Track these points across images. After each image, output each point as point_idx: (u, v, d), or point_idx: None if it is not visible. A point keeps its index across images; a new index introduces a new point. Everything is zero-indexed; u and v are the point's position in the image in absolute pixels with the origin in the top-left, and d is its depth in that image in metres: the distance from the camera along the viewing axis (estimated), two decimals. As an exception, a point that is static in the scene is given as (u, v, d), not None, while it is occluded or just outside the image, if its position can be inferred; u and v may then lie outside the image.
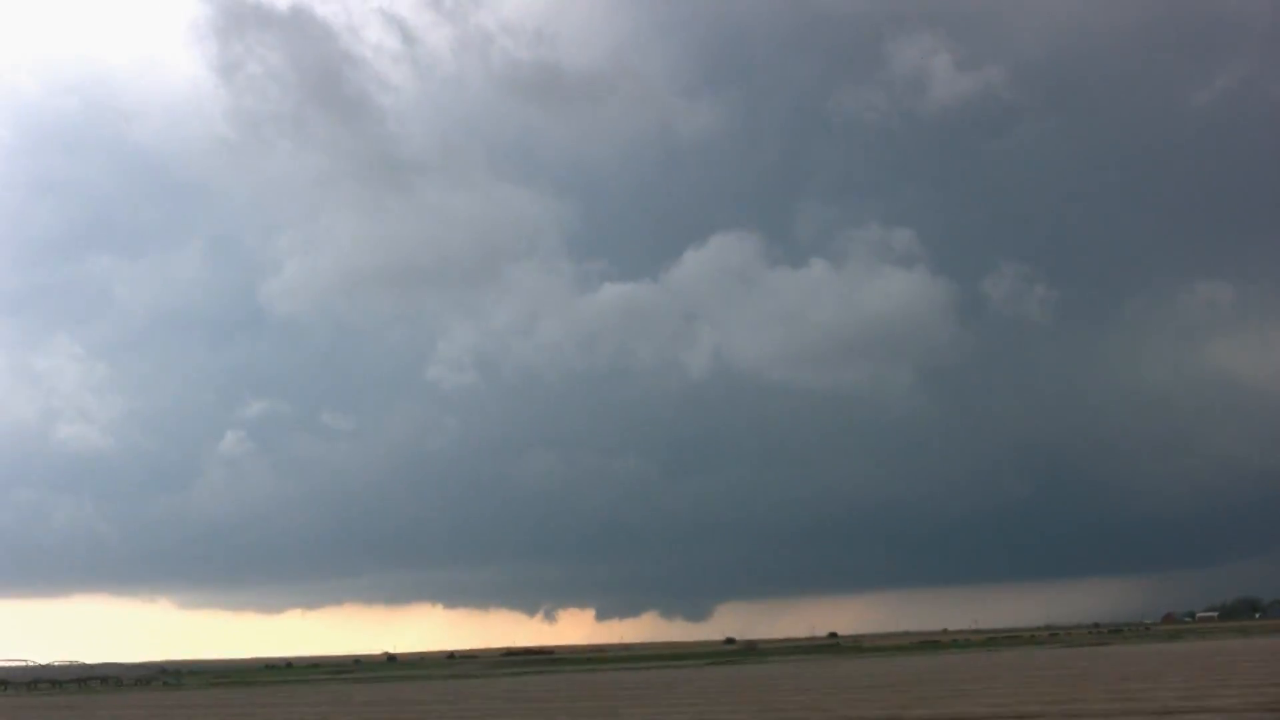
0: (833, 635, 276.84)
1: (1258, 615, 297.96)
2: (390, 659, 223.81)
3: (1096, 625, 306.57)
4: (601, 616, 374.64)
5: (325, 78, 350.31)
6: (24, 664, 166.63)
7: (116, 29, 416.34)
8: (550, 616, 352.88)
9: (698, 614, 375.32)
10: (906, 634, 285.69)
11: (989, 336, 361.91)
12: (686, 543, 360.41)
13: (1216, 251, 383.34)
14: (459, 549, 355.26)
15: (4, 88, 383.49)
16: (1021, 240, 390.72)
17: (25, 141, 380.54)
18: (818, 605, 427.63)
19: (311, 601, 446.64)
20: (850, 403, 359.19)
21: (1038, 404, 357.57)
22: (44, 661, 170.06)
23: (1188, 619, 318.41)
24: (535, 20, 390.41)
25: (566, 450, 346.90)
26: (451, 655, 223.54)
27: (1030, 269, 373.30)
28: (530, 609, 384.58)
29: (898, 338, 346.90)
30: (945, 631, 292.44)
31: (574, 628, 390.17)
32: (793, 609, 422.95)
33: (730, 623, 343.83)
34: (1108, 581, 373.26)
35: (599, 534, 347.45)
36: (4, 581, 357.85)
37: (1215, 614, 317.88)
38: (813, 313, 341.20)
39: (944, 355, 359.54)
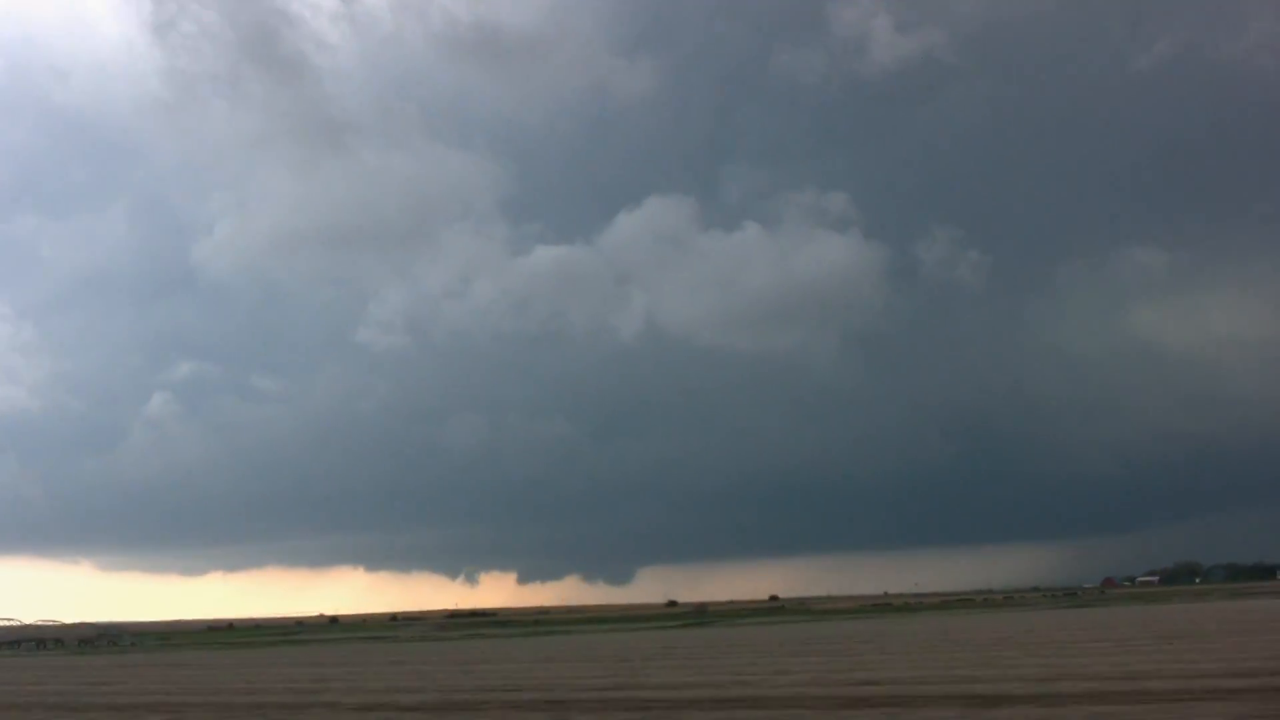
0: (774, 598, 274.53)
1: (1198, 580, 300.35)
2: (333, 620, 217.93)
3: (1037, 588, 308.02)
4: (523, 579, 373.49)
5: (261, 36, 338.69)
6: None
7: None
8: (472, 579, 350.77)
9: (620, 577, 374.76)
10: (850, 597, 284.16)
11: (920, 301, 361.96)
12: (611, 506, 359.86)
13: (1151, 218, 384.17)
14: (383, 512, 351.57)
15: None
16: (955, 205, 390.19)
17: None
18: (742, 570, 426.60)
19: (233, 564, 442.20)
20: (779, 367, 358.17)
21: (968, 369, 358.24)
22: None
23: (1127, 583, 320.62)
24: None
25: (494, 413, 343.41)
26: (394, 617, 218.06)
27: (963, 234, 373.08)
28: (452, 572, 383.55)
29: (829, 302, 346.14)
30: (886, 595, 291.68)
31: (496, 591, 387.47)
32: (716, 573, 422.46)
33: (652, 586, 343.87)
34: (1039, 547, 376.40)
35: (523, 498, 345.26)
36: None
37: (1155, 578, 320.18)
38: (745, 276, 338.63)
39: (875, 320, 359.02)
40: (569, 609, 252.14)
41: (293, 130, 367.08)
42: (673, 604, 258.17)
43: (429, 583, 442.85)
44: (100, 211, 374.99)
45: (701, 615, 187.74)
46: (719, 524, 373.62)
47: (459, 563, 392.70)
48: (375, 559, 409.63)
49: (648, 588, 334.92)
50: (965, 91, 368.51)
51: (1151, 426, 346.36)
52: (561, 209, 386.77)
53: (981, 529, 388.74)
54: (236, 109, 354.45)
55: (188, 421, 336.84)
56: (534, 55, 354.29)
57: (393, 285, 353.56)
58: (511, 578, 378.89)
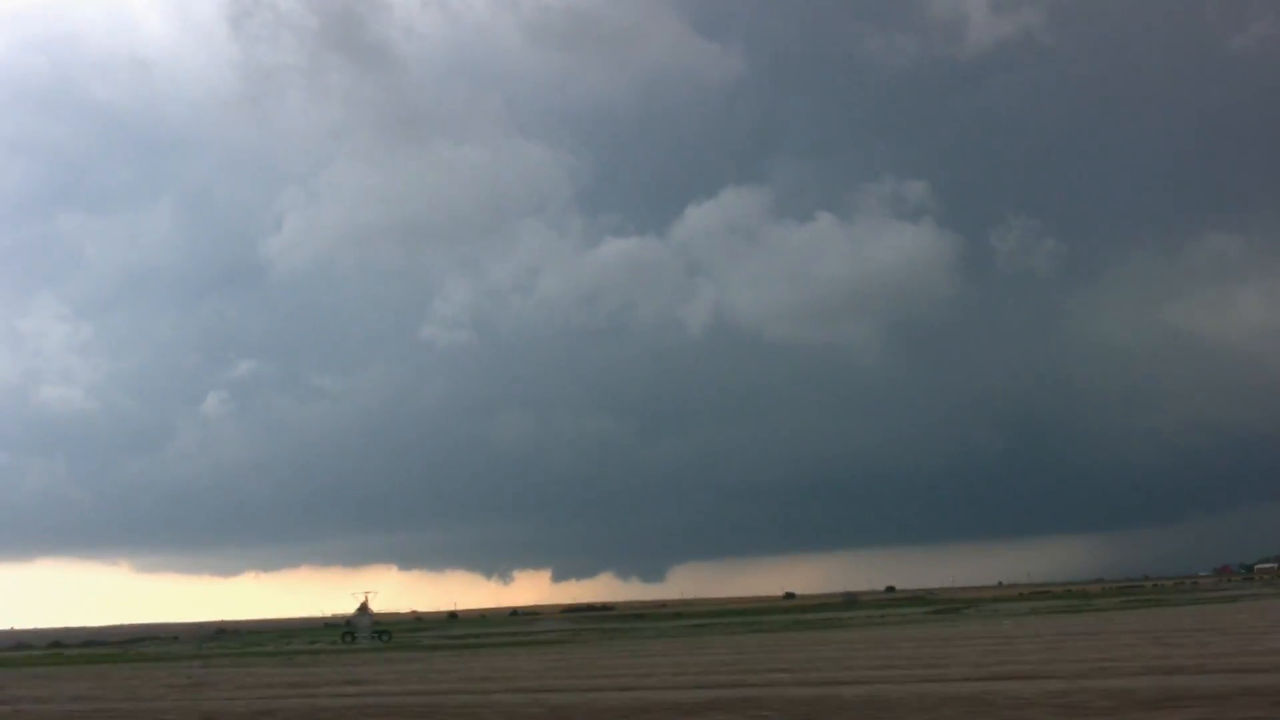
0: (789, 595, 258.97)
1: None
2: (452, 616, 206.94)
3: (1100, 580, 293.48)
4: (558, 578, 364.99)
5: (345, 24, 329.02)
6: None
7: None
8: (505, 578, 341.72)
9: (653, 575, 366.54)
10: (907, 591, 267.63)
11: (991, 291, 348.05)
12: (649, 503, 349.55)
13: (1228, 203, 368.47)
14: (421, 511, 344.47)
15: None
16: (1033, 191, 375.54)
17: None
18: (775, 565, 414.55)
19: (268, 564, 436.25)
20: (835, 360, 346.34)
21: (1037, 359, 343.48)
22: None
23: (1243, 571, 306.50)
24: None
25: (542, 409, 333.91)
26: (514, 612, 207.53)
27: (1039, 222, 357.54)
28: (486, 570, 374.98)
29: (895, 294, 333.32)
30: (930, 591, 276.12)
31: (530, 589, 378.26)
32: (749, 569, 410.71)
33: (685, 584, 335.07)
34: (1083, 538, 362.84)
35: (562, 495, 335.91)
36: None
37: (1275, 564, 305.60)
38: (813, 268, 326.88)
39: (942, 311, 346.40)
40: (684, 602, 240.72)
41: (371, 122, 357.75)
42: (790, 595, 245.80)
43: (462, 581, 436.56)
44: (158, 209, 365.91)
45: (852, 604, 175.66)
46: (757, 520, 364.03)
47: (493, 561, 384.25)
48: (409, 558, 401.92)
49: (679, 585, 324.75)
50: (1056, 73, 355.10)
51: (1205, 419, 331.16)
52: (638, 200, 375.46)
53: (1044, 520, 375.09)
54: (314, 100, 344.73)
55: (239, 421, 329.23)
56: (622, 41, 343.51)
57: (460, 280, 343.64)
58: (546, 575, 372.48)
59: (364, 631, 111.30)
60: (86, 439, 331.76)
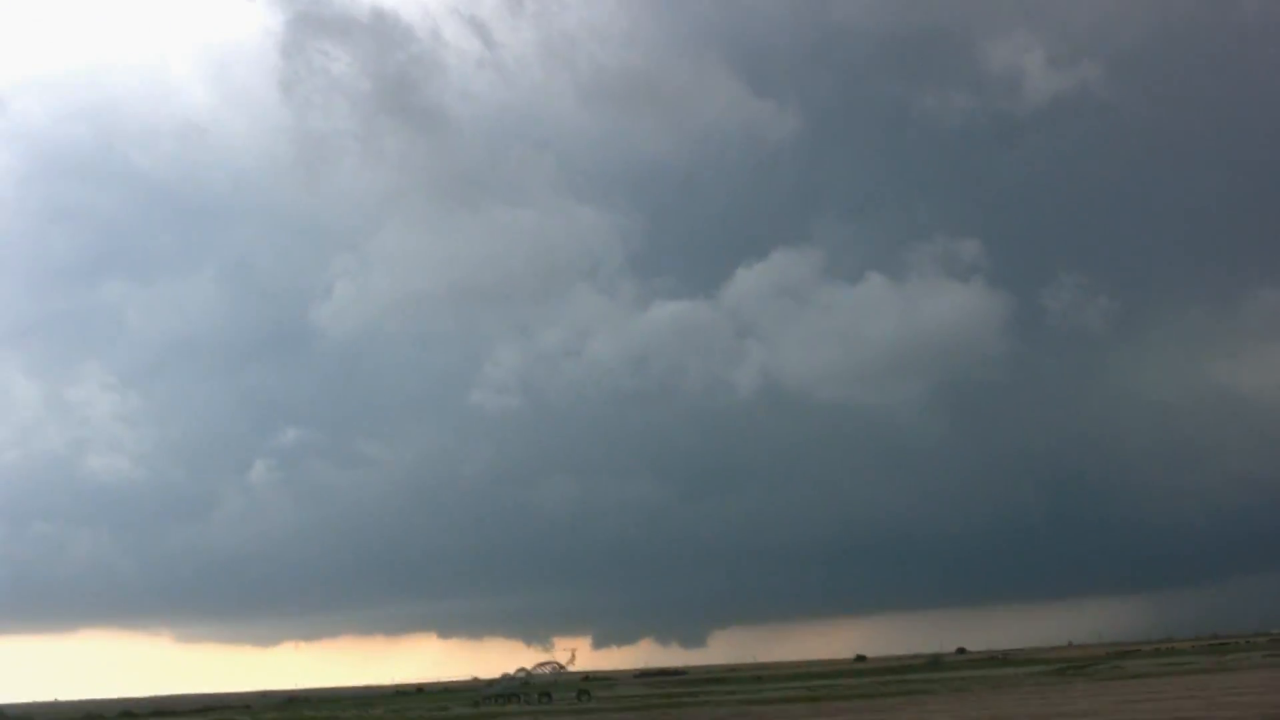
0: (860, 658, 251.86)
1: None
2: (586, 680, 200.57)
3: (1170, 638, 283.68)
4: (598, 644, 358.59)
5: (399, 87, 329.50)
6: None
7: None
8: (545, 644, 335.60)
9: (693, 640, 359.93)
10: (979, 652, 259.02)
11: (1041, 350, 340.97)
12: (691, 568, 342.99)
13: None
14: (463, 578, 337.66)
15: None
16: (1085, 248, 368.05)
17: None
18: (817, 629, 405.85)
19: (308, 633, 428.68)
20: (875, 421, 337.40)
21: (1087, 419, 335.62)
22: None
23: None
24: (619, 22, 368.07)
25: (585, 475, 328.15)
26: (586, 677, 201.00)
27: (1090, 279, 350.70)
28: (527, 637, 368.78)
29: (943, 355, 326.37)
30: (1006, 652, 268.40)
31: (568, 656, 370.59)
32: (790, 633, 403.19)
33: (726, 649, 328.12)
34: (1126, 599, 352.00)
35: (603, 561, 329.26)
36: (17, 618, 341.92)
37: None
38: (861, 330, 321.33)
39: (990, 371, 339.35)
40: (760, 665, 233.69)
41: (425, 186, 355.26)
42: (861, 659, 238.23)
43: (501, 648, 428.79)
44: (211, 276, 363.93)
45: (938, 665, 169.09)
46: (798, 583, 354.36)
47: (533, 628, 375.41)
48: (449, 626, 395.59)
49: (721, 650, 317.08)
50: (1113, 128, 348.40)
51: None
52: (689, 262, 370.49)
53: (1077, 582, 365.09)
54: (367, 165, 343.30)
55: (282, 489, 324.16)
56: (677, 101, 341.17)
57: (510, 345, 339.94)
58: (586, 642, 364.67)
59: (562, 690, 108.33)
60: (132, 508, 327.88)
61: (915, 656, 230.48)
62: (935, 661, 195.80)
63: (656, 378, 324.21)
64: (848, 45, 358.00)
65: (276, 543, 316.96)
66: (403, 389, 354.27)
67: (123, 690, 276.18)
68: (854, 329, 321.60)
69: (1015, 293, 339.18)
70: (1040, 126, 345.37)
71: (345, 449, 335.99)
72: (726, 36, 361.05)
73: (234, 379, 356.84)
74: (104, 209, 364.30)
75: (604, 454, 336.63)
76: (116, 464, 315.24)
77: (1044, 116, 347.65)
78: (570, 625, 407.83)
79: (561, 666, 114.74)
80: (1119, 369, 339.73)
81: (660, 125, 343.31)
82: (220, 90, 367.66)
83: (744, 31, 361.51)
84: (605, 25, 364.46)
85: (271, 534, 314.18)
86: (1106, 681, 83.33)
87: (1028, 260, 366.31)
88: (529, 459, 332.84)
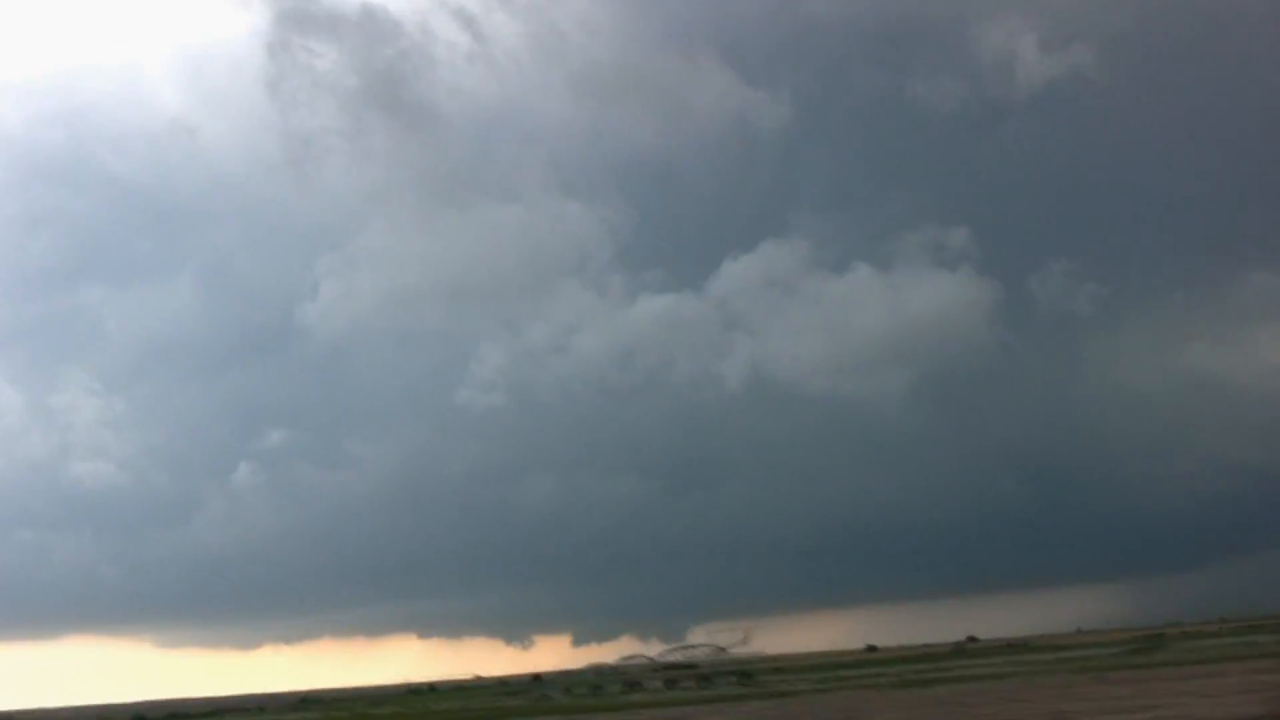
0: (871, 648, 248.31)
1: None
2: (536, 679, 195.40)
3: (1179, 623, 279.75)
4: (578, 642, 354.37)
5: (387, 83, 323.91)
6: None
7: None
8: (525, 643, 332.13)
9: (673, 635, 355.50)
10: (990, 640, 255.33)
11: (1029, 337, 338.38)
12: (672, 563, 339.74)
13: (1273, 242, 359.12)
14: (443, 578, 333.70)
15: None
16: (1075, 234, 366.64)
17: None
18: (798, 622, 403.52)
19: (289, 636, 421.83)
20: (860, 411, 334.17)
21: (1074, 405, 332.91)
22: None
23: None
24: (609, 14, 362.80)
25: (569, 471, 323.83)
26: (599, 670, 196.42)
27: (1079, 265, 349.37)
28: (506, 636, 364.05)
29: (929, 344, 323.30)
30: (1024, 639, 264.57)
31: (550, 654, 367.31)
32: (771, 626, 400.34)
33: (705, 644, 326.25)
34: (1107, 585, 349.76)
35: (584, 558, 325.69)
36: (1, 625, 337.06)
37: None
38: (847, 320, 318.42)
39: (976, 359, 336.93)
40: (767, 658, 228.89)
41: (413, 183, 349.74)
42: (872, 649, 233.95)
43: (481, 647, 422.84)
44: (201, 275, 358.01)
45: (964, 653, 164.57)
46: (778, 577, 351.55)
47: (513, 627, 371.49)
48: (429, 625, 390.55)
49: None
50: (1105, 112, 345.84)
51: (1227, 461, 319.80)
52: (678, 255, 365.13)
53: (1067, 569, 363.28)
54: (354, 163, 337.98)
55: (265, 491, 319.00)
56: (668, 92, 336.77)
57: (496, 343, 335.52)
58: (566, 640, 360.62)
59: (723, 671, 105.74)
60: (116, 514, 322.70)
61: (929, 646, 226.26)
62: (961, 650, 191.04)
63: (644, 372, 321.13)
64: (838, 33, 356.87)
65: (259, 545, 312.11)
66: (389, 388, 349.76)
67: (105, 697, 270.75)
68: (842, 320, 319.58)
69: (1003, 281, 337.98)
70: (1032, 112, 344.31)
71: (330, 450, 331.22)
72: (716, 26, 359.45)
73: (218, 381, 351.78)
74: (81, 214, 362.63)
75: (588, 450, 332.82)
76: (100, 469, 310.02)
77: (1036, 102, 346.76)
78: (551, 623, 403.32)
79: (723, 650, 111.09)
80: (1107, 354, 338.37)
81: (649, 118, 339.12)
82: (199, 91, 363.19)
83: (734, 21, 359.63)
84: (595, 18, 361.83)
85: (254, 537, 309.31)
86: (1212, 663, 78.71)
87: (1017, 247, 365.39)
88: (513, 457, 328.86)
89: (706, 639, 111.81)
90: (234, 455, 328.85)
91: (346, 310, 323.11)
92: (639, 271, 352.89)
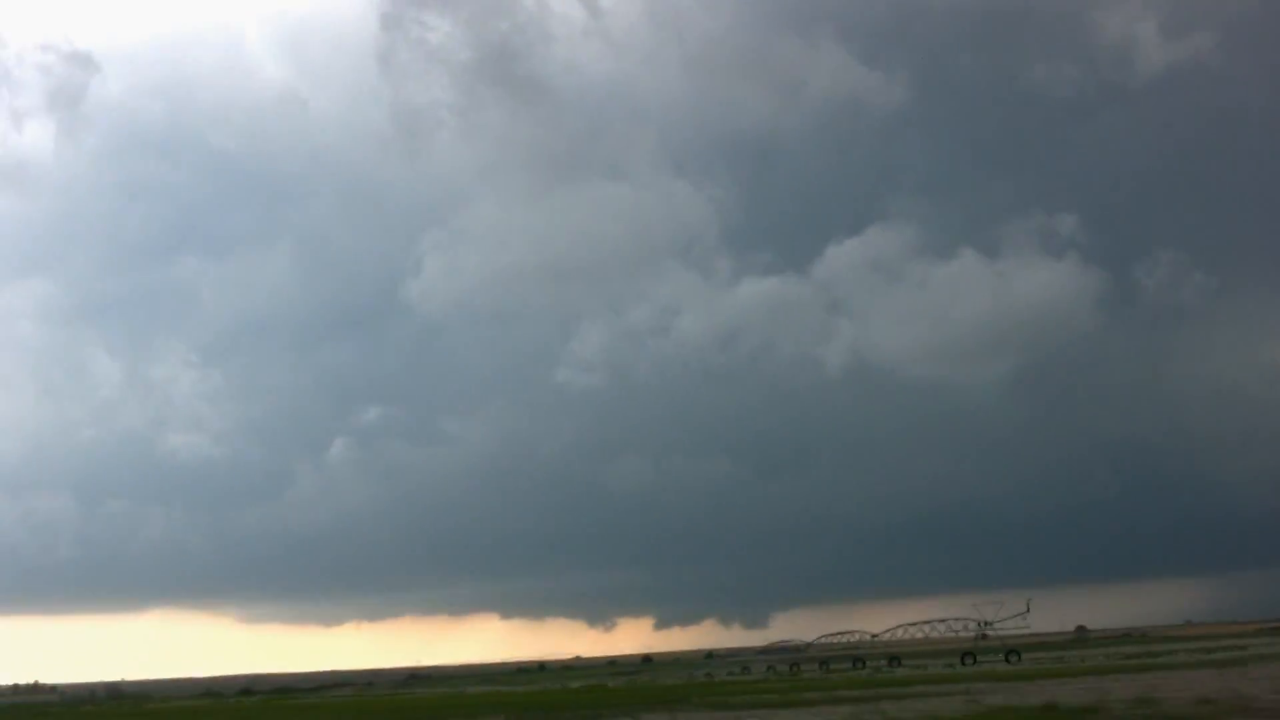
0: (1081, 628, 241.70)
1: None
2: (647, 659, 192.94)
3: None
4: (660, 625, 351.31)
5: (501, 58, 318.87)
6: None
7: None
8: (608, 625, 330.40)
9: (756, 621, 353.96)
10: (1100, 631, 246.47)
11: (1134, 328, 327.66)
12: (759, 548, 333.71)
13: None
14: (531, 558, 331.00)
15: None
16: (1185, 223, 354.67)
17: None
18: (883, 609, 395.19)
19: (372, 613, 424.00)
20: (956, 400, 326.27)
21: (1176, 404, 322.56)
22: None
23: None
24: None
25: (662, 453, 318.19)
26: (709, 655, 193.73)
27: (1186, 255, 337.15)
28: (589, 618, 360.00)
29: (1031, 333, 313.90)
30: (1139, 630, 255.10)
31: (631, 636, 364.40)
32: (855, 615, 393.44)
33: (787, 630, 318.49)
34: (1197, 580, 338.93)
35: (671, 541, 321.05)
36: (88, 597, 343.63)
37: None
38: (950, 307, 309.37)
39: (1078, 349, 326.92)
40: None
41: (523, 160, 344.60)
42: (1081, 629, 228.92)
43: (564, 629, 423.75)
44: (281, 253, 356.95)
45: (1083, 643, 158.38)
46: (867, 564, 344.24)
47: (596, 608, 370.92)
48: (512, 605, 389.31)
49: (782, 631, 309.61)
50: (1225, 99, 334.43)
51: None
52: (783, 238, 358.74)
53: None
54: (465, 138, 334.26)
55: (358, 468, 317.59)
56: (784, 72, 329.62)
57: (598, 323, 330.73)
58: (648, 623, 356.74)
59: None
60: (208, 487, 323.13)
61: (1036, 635, 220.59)
62: (1080, 639, 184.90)
63: (744, 355, 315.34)
64: (956, 16, 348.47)
65: (348, 522, 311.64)
66: (487, 366, 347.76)
67: (185, 670, 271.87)
68: (945, 306, 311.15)
69: (1110, 269, 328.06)
70: (1147, 99, 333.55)
71: (426, 427, 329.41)
72: (835, 5, 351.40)
73: (315, 356, 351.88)
74: (180, 185, 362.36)
75: (682, 433, 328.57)
76: (195, 442, 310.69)
77: (1152, 89, 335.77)
78: (634, 606, 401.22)
79: (987, 625, 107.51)
80: (1218, 346, 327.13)
81: (763, 97, 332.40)
82: (303, 62, 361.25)
83: (853, 1, 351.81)
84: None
85: (344, 514, 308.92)
86: None
87: (1125, 235, 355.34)
88: (607, 438, 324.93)
89: (973, 612, 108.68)
90: (329, 431, 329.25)
91: (449, 287, 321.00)
92: (744, 253, 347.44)
